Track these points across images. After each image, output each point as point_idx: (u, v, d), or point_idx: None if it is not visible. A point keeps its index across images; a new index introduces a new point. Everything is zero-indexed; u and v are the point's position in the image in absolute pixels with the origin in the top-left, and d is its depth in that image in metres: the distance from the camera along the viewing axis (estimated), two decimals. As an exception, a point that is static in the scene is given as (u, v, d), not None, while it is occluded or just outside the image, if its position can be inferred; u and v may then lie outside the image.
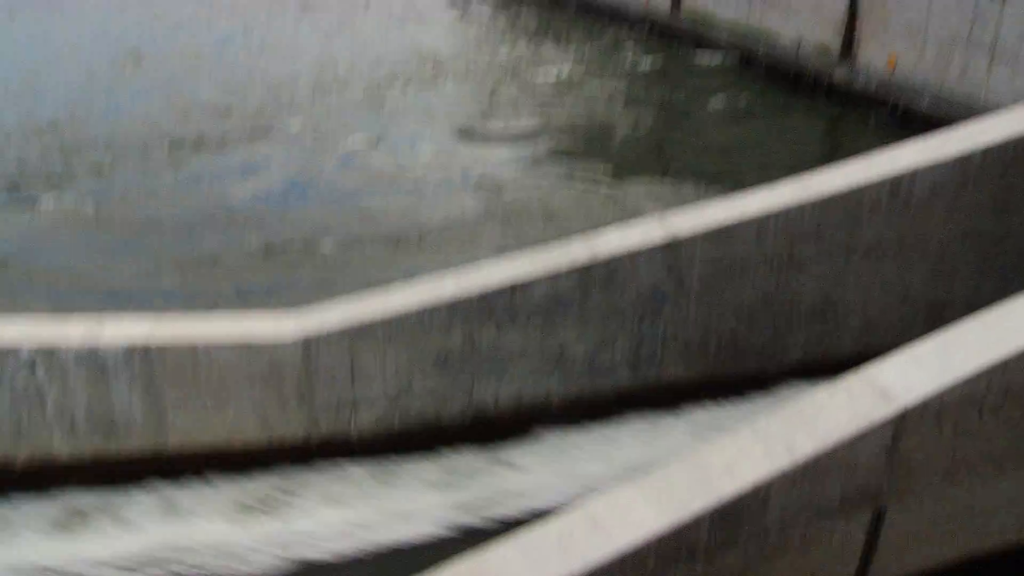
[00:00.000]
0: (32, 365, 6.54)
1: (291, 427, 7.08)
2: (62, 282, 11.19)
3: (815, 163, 8.37)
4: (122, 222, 13.15)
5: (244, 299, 10.45)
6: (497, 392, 7.39)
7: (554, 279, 7.07)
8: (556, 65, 22.95)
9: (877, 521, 5.30)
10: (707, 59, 22.75)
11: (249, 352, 6.77)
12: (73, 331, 6.65)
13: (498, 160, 15.78)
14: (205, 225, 12.98)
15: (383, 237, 12.42)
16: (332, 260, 11.78)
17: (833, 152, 15.34)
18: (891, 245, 7.64)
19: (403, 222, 12.93)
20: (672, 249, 7.19)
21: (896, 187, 7.42)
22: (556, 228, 12.12)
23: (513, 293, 7.03)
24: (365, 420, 7.21)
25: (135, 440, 6.91)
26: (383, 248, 12.10)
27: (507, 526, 6.23)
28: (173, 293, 10.78)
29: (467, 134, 17.36)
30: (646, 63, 23.40)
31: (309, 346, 6.83)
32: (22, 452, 6.85)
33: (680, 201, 12.11)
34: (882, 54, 17.76)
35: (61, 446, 6.86)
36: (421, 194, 14.14)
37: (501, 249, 11.17)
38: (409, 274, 8.12)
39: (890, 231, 7.58)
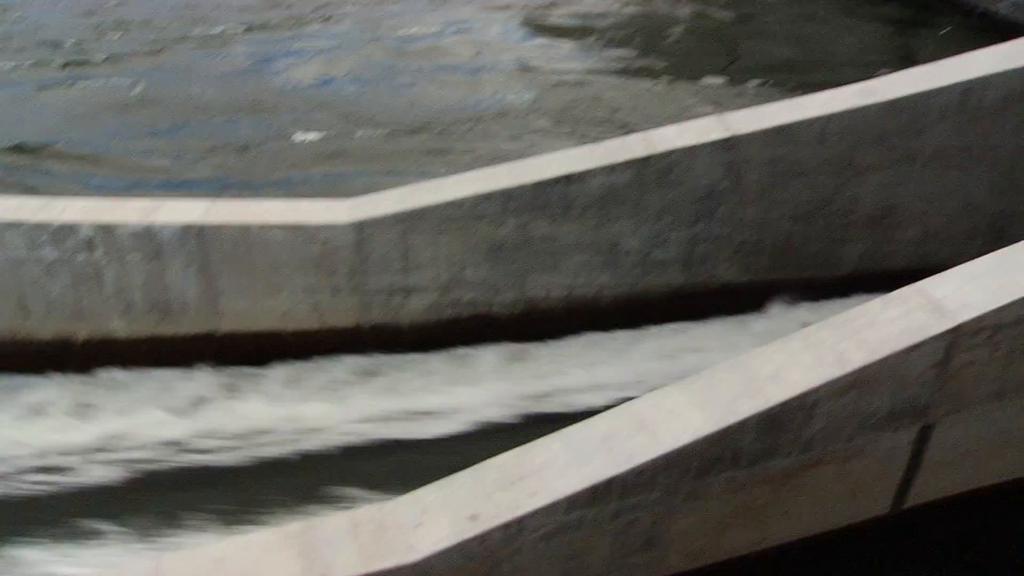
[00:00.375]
0: (91, 243, 6.63)
1: (342, 314, 7.14)
2: (105, 166, 11.26)
3: (882, 68, 8.14)
4: (167, 105, 13.15)
5: (293, 188, 10.49)
6: (548, 285, 7.39)
7: (610, 171, 6.98)
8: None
9: (923, 438, 5.28)
10: (774, -46, 22.10)
11: (302, 236, 6.81)
12: (130, 212, 6.72)
13: (556, 51, 15.52)
14: (253, 110, 12.95)
15: (434, 125, 12.34)
16: (382, 149, 11.72)
17: (902, 58, 14.91)
18: (956, 155, 7.45)
19: (455, 111, 12.81)
20: (731, 147, 7.07)
21: (966, 95, 7.19)
22: (611, 122, 11.98)
23: (568, 184, 6.96)
24: (416, 309, 7.26)
25: (189, 323, 7.04)
26: (432, 137, 12.03)
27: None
28: (219, 181, 10.81)
29: (525, 23, 17.07)
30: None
31: (362, 231, 6.84)
32: (81, 331, 7.02)
33: (738, 101, 11.91)
34: (960, -49, 17.12)
35: (119, 326, 7.01)
36: (475, 84, 13.97)
37: (554, 141, 11.11)
38: (459, 163, 8.06)
39: (957, 140, 7.38)
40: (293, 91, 13.73)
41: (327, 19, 17.19)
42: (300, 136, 12.03)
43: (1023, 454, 5.67)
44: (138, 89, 13.61)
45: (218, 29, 16.42)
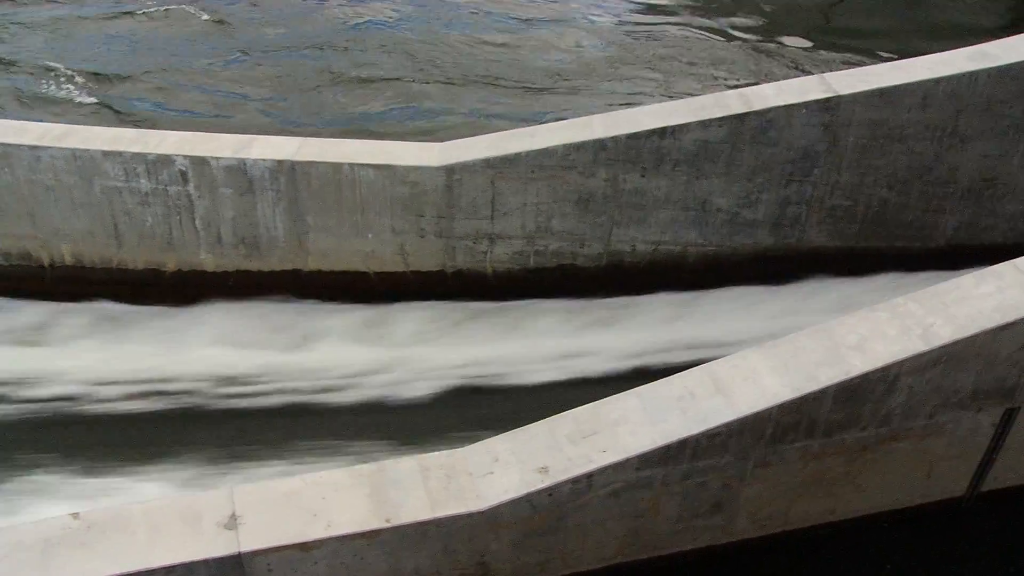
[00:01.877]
0: (184, 175, 6.75)
1: (427, 258, 7.19)
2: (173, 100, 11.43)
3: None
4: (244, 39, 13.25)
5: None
6: (635, 240, 7.33)
7: (704, 127, 6.86)
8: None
9: (1007, 420, 5.15)
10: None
11: (392, 176, 6.83)
12: (224, 146, 6.81)
13: (650, 9, 15.25)
14: (335, 50, 12.98)
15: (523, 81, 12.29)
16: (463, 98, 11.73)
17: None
18: (1070, 127, 7.16)
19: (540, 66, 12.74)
20: (830, 108, 6.90)
21: (1087, 62, 6.90)
22: (704, 84, 11.82)
23: (662, 138, 6.86)
24: (501, 256, 7.27)
25: (275, 260, 7.14)
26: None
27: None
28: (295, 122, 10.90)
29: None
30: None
31: (452, 175, 6.84)
32: (170, 262, 7.17)
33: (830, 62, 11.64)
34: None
35: (207, 259, 7.14)
36: (560, 34, 13.84)
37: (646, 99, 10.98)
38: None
39: (1071, 111, 7.09)
40: (377, 34, 13.64)
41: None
42: (384, 82, 12.06)
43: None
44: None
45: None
